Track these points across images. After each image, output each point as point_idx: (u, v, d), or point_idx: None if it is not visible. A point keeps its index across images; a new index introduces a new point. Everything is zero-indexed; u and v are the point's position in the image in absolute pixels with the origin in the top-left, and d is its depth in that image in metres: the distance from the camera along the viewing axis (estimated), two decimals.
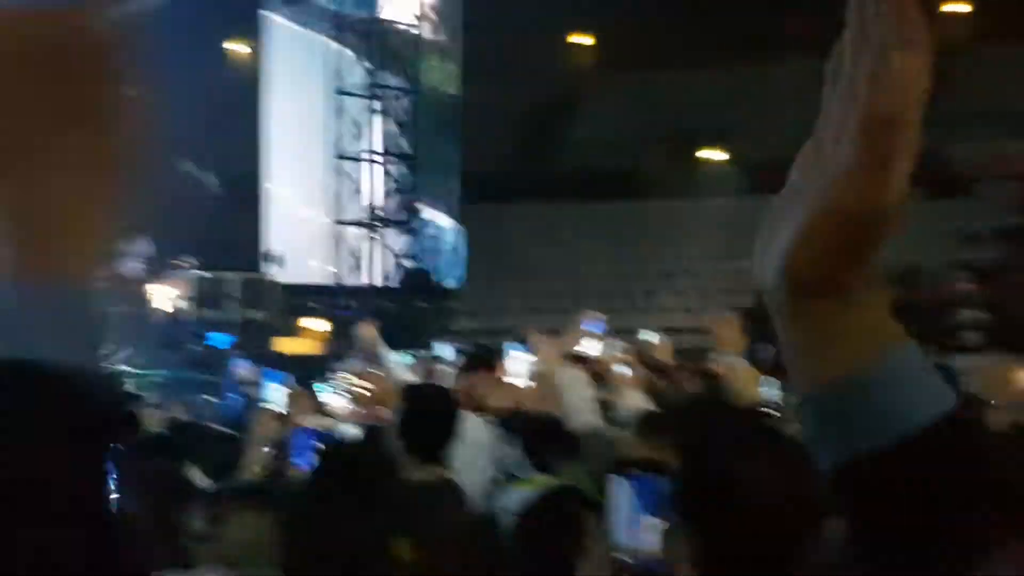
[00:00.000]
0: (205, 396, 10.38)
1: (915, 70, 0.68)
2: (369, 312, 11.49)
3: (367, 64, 16.41)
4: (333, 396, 6.03)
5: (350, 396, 5.67)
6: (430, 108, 17.04)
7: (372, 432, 4.30)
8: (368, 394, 5.34)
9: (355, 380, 5.73)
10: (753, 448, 1.63)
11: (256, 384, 10.16)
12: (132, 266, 14.40)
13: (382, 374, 5.43)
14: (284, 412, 4.68)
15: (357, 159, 16.25)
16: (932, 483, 0.68)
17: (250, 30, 16.89)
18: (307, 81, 16.49)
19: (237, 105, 16.44)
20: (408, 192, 16.43)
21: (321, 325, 14.09)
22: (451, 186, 17.73)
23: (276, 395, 4.72)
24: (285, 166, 16.70)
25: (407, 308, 13.57)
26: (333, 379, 6.38)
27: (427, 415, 3.53)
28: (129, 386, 9.64)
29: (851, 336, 0.70)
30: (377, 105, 16.54)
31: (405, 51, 16.75)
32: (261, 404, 4.84)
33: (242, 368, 10.43)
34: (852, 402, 0.69)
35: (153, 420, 5.42)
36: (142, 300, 14.18)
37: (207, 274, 14.25)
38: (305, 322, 14.74)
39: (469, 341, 9.68)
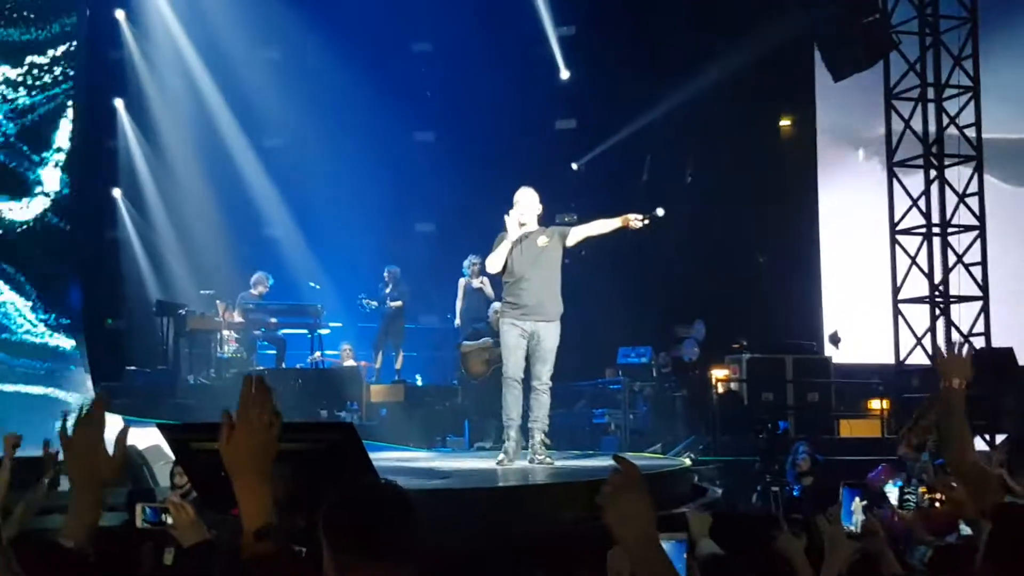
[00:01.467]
0: (773, 486, 10.16)
1: None
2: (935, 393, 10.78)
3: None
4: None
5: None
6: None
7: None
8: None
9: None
10: None
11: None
12: (690, 351, 14.59)
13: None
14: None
15: (913, 233, 15.52)
16: None
17: (799, 104, 16.76)
18: (859, 152, 16.06)
19: (790, 180, 16.34)
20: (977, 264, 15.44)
21: (884, 405, 13.47)
22: None
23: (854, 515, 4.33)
24: (840, 242, 16.28)
25: (982, 389, 12.64)
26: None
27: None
28: (693, 475, 9.62)
29: None
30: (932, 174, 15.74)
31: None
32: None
33: (803, 455, 10.11)
34: None
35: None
36: (701, 384, 14.28)
37: (764, 356, 14.09)
38: (869, 403, 14.18)
39: None
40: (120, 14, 16.33)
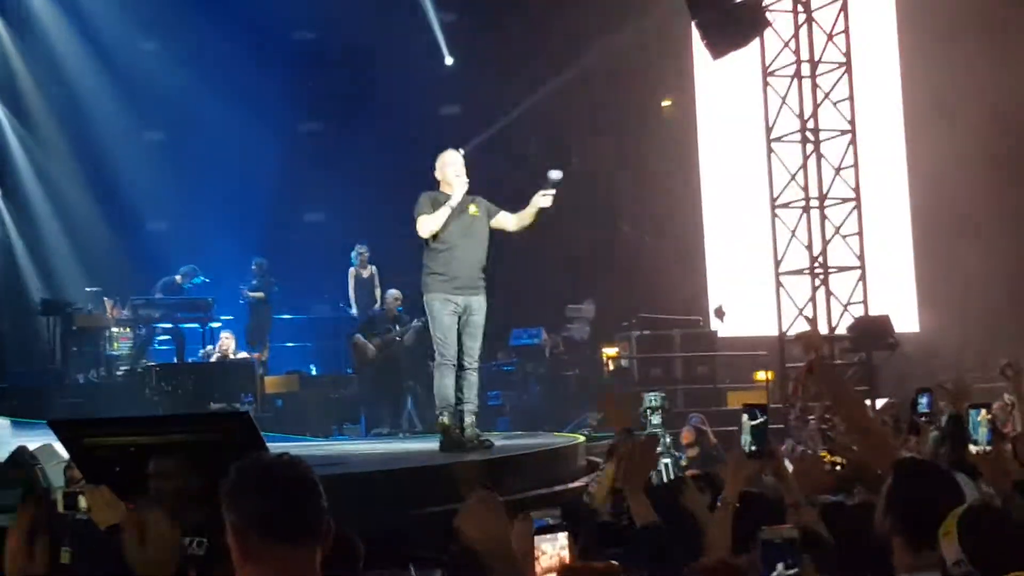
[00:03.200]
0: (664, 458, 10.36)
1: None
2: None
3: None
4: None
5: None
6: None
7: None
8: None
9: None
10: None
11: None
12: (580, 330, 14.82)
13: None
14: None
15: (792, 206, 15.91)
16: None
17: (679, 85, 17.04)
18: (739, 130, 16.41)
19: (673, 160, 16.63)
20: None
21: (769, 376, 13.83)
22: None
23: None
24: (724, 218, 16.65)
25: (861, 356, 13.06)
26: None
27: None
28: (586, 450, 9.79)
29: None
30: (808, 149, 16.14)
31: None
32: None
33: (694, 424, 10.41)
34: None
35: None
36: (593, 362, 14.51)
37: (651, 332, 14.36)
38: (755, 374, 14.54)
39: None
40: None
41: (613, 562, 2.89)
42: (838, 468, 4.83)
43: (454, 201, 8.06)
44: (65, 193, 16.02)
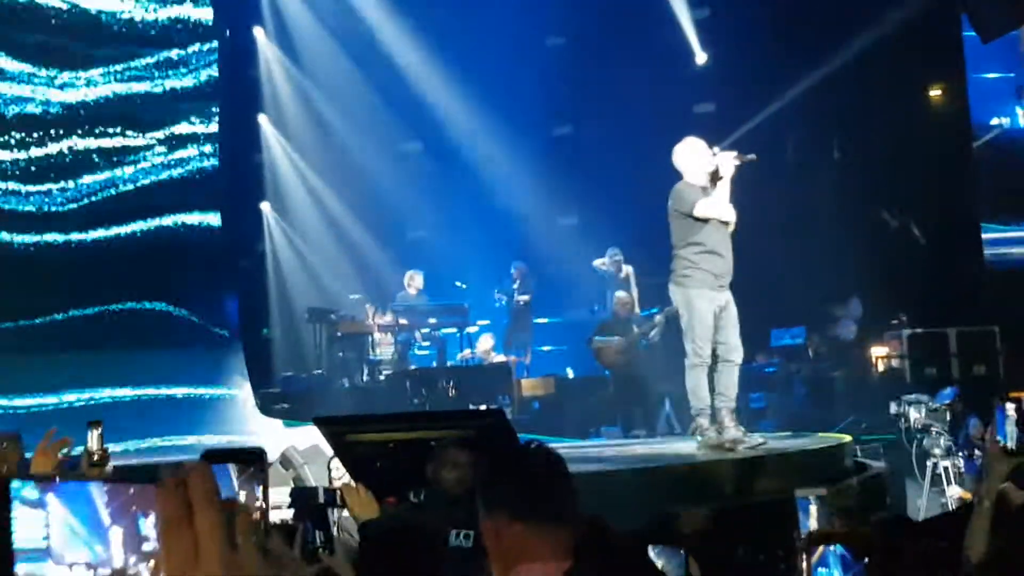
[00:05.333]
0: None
1: None
2: None
3: None
4: None
5: None
6: None
7: None
8: None
9: None
10: None
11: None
12: (846, 329, 14.22)
13: None
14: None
15: None
16: None
17: (951, 74, 16.16)
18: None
19: (941, 152, 15.78)
20: None
21: None
22: None
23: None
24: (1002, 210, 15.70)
25: None
26: None
27: None
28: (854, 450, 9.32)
29: None
30: None
31: None
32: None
33: (973, 426, 9.74)
34: None
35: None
36: (860, 363, 13.91)
37: (923, 331, 13.63)
38: None
39: None
40: (258, 31, 16.68)
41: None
42: None
43: (726, 181, 7.87)
44: (329, 205, 16.59)
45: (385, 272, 15.46)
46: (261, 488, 1.68)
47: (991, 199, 15.82)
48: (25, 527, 1.03)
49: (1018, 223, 15.57)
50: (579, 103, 16.71)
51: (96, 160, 14.13)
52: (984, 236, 15.51)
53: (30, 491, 1.04)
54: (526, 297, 14.62)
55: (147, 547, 1.07)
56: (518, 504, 2.31)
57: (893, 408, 8.57)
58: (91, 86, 14.16)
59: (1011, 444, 3.35)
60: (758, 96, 15.56)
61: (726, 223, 7.96)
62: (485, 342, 13.91)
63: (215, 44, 15.26)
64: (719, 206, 7.86)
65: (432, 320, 14.14)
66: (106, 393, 13.09)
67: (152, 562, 1.07)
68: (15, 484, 1.03)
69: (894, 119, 15.64)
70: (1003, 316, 13.69)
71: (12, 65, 13.68)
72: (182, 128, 14.86)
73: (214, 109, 15.17)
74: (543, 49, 16.74)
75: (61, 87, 13.96)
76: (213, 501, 1.05)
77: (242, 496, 1.62)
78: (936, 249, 15.39)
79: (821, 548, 2.05)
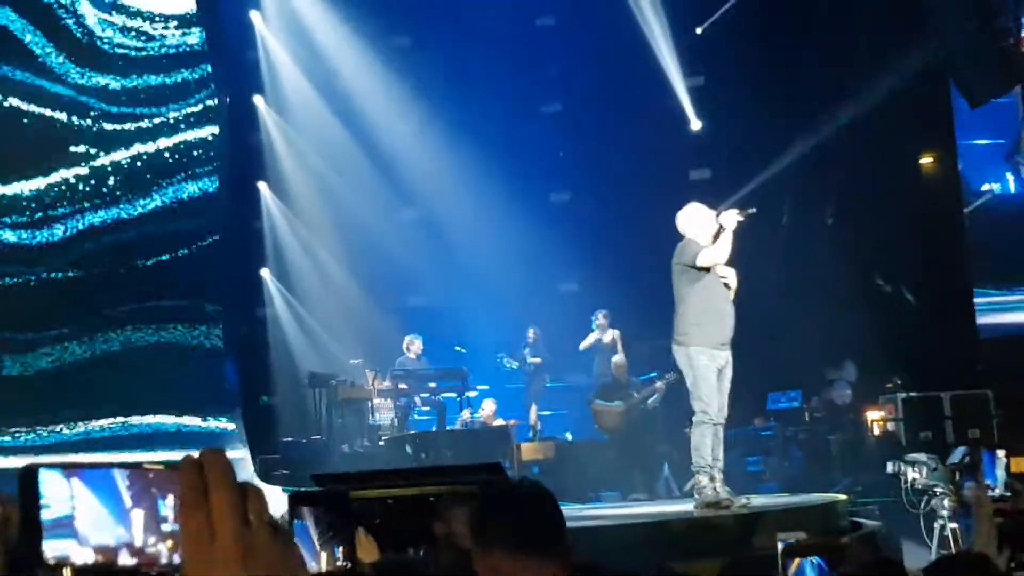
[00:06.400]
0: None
1: None
2: None
3: None
4: None
5: None
6: None
7: None
8: None
9: None
10: None
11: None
12: (841, 392, 14.32)
13: None
14: None
15: None
16: None
17: (942, 142, 16.37)
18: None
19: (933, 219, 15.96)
20: None
21: None
22: None
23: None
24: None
25: None
26: None
27: None
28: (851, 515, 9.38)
29: None
30: None
31: None
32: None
33: (967, 490, 9.79)
34: None
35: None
36: (856, 427, 13.98)
37: (918, 394, 13.71)
38: None
39: None
40: (258, 99, 16.93)
41: None
42: None
43: (729, 232, 7.95)
44: (329, 271, 16.73)
45: (385, 337, 15.56)
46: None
47: (983, 264, 15.99)
48: (52, 510, 1.10)
49: (1010, 288, 15.72)
50: (576, 169, 16.93)
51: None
52: (977, 300, 15.64)
53: (57, 477, 1.11)
54: (538, 360, 14.78)
55: (166, 527, 1.14)
56: (513, 539, 2.36)
57: (890, 467, 8.62)
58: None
59: (999, 489, 3.47)
60: (753, 162, 15.79)
61: (727, 284, 8.07)
62: (488, 407, 13.99)
63: (216, 109, 15.51)
64: (720, 253, 7.95)
65: (432, 385, 14.23)
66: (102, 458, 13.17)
67: (171, 541, 1.13)
68: (43, 471, 1.11)
69: (886, 185, 15.86)
70: (997, 380, 13.78)
71: None
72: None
73: (214, 177, 15.39)
74: (540, 116, 17.00)
75: None
76: (228, 482, 1.12)
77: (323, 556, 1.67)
78: (929, 314, 15.52)
79: (798, 560, 2.13)
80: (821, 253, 15.41)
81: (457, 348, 15.23)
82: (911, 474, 8.59)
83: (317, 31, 16.69)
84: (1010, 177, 15.69)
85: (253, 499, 1.14)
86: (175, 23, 15.25)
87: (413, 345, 14.51)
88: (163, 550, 1.13)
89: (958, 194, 16.30)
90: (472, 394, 14.57)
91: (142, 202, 14.70)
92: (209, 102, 15.46)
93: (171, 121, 15.10)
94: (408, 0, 16.63)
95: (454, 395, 14.48)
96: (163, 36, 15.08)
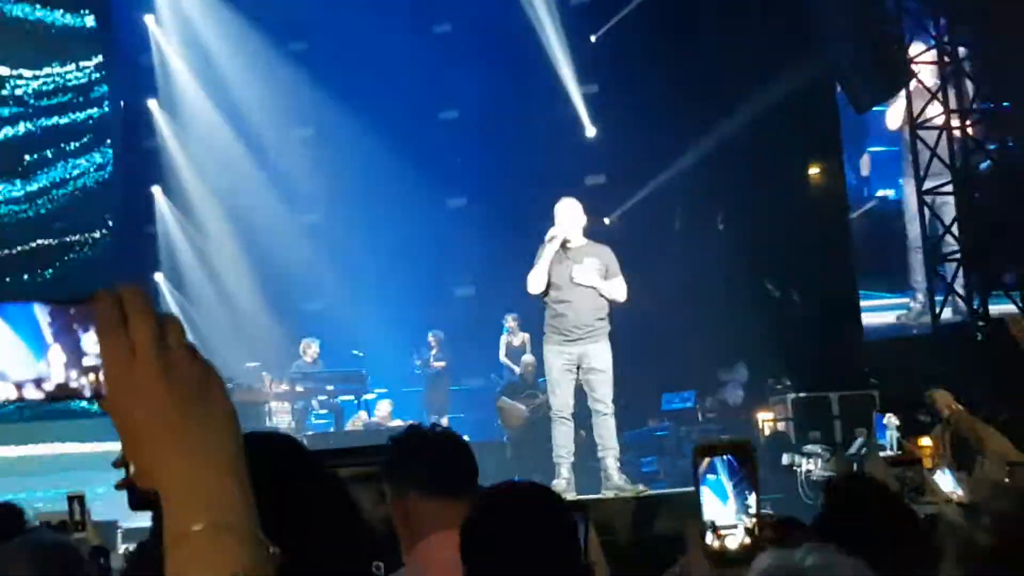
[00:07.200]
0: None
1: None
2: None
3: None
4: None
5: None
6: None
7: None
8: None
9: None
10: None
11: None
12: (733, 393, 14.62)
13: None
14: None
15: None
16: None
17: (829, 150, 16.81)
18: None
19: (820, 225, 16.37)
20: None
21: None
22: None
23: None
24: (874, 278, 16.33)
25: None
26: None
27: None
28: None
29: None
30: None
31: None
32: None
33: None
34: None
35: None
36: (748, 427, 14.26)
37: (807, 395, 14.07)
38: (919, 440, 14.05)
39: None
40: (152, 103, 16.73)
41: None
42: None
43: (545, 260, 7.93)
44: (225, 275, 16.58)
45: (281, 341, 15.48)
46: None
47: (868, 268, 16.47)
48: None
49: (889, 291, 16.22)
50: (473, 175, 17.03)
51: None
52: (863, 303, 16.09)
53: None
54: (442, 363, 14.81)
55: (88, 362, 1.12)
56: (427, 482, 2.40)
57: (785, 459, 8.85)
58: None
59: (891, 450, 3.63)
60: (646, 168, 16.05)
61: (576, 281, 7.94)
62: (383, 408, 13.98)
63: (108, 115, 15.31)
64: (535, 278, 7.95)
65: (330, 387, 14.20)
66: None
67: (92, 376, 1.12)
68: None
69: (776, 191, 16.23)
70: (881, 380, 14.20)
71: None
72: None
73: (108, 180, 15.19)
74: (437, 122, 17.07)
75: None
76: (147, 310, 1.11)
77: None
78: (817, 316, 15.91)
79: (707, 459, 2.23)
80: (713, 257, 15.70)
81: (354, 351, 15.21)
82: (806, 465, 8.82)
83: (211, 35, 16.57)
84: (902, 182, 16.12)
85: (171, 326, 1.14)
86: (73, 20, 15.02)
87: (310, 349, 14.47)
88: (85, 384, 1.12)
89: (844, 200, 16.74)
90: (370, 396, 14.57)
91: (31, 191, 14.43)
92: (100, 109, 15.25)
93: (63, 123, 14.86)
94: (304, 5, 16.58)
95: (352, 398, 14.46)
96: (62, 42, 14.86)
